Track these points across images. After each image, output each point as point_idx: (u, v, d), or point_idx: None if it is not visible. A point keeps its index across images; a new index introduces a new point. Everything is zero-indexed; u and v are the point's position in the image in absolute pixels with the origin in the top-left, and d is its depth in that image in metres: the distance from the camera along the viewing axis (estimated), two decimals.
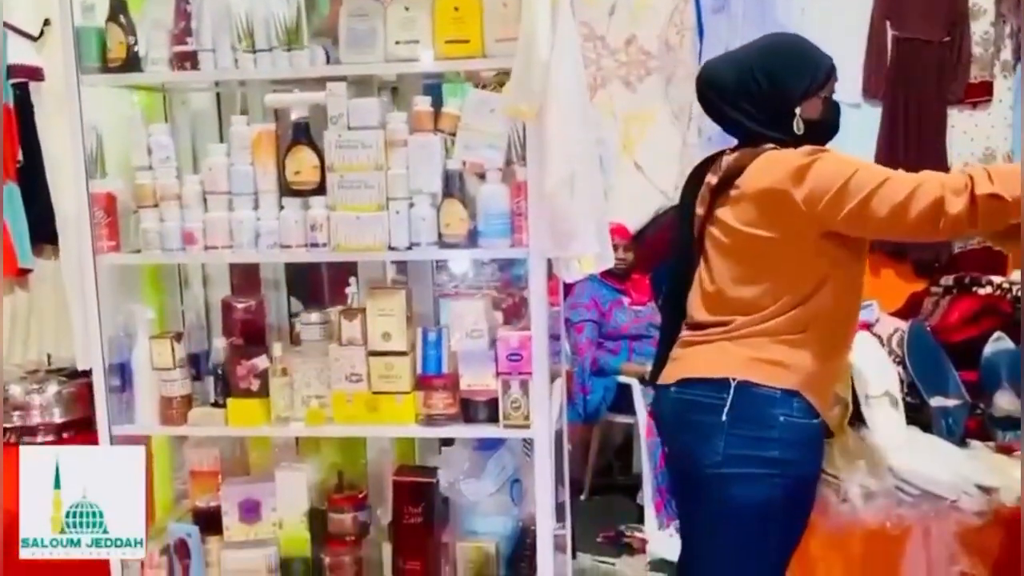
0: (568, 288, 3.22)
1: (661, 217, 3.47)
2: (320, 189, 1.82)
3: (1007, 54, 3.18)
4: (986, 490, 1.60)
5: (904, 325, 1.85)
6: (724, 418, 1.47)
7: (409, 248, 1.82)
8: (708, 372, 1.52)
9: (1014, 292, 1.85)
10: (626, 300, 3.26)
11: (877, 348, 1.86)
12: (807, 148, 1.49)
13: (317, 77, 1.82)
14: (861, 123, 3.33)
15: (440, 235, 1.82)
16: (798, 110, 1.56)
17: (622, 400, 3.12)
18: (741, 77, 1.59)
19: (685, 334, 1.63)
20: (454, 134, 1.82)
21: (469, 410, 1.87)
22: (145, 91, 2.06)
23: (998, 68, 3.19)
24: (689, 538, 1.68)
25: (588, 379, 3.13)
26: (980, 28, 3.18)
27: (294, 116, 1.82)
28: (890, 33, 3.21)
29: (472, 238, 1.83)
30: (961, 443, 1.72)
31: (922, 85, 3.22)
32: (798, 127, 1.56)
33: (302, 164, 1.83)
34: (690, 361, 1.58)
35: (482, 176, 1.83)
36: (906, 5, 3.20)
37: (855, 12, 3.23)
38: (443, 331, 1.87)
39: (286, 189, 1.85)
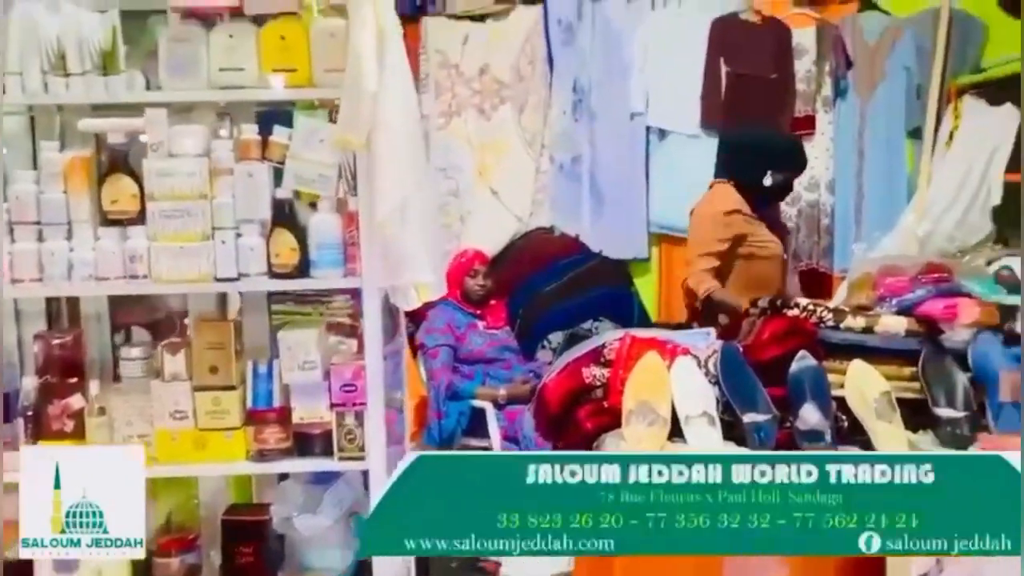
0: (422, 313, 3.21)
1: (518, 241, 3.53)
2: (140, 219, 1.76)
3: (827, 90, 3.44)
4: None
5: (719, 346, 1.95)
6: None
7: (237, 279, 1.78)
8: None
9: (818, 313, 1.98)
10: (481, 324, 3.28)
11: (696, 371, 1.94)
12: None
13: (136, 103, 1.76)
14: (700, 153, 3.52)
15: (270, 265, 1.79)
16: None
17: (477, 424, 3.14)
18: None
19: None
20: (283, 163, 1.79)
21: (303, 443, 1.83)
22: None
23: (819, 103, 3.45)
24: None
25: (443, 404, 3.13)
26: (803, 66, 3.43)
27: (111, 142, 1.75)
28: (724, 69, 3.42)
29: (304, 268, 1.80)
30: None
31: (754, 118, 3.43)
32: None
33: (120, 192, 1.76)
34: None
35: (313, 205, 1.81)
36: (738, 44, 3.42)
37: (693, 49, 3.41)
38: (274, 363, 1.84)
39: (103, 219, 1.77)
